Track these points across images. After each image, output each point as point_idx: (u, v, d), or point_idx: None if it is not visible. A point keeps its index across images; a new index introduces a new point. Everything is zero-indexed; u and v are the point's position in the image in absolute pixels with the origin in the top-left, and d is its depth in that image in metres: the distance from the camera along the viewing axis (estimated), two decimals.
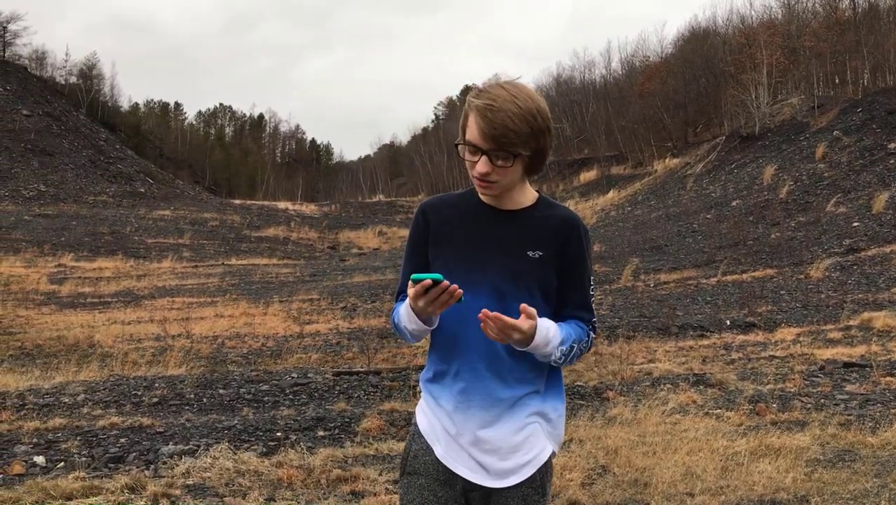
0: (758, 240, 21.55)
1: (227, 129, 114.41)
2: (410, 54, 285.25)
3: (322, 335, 13.69)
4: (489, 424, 1.90)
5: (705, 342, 11.43)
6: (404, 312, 1.89)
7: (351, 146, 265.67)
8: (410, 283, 1.76)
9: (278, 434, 5.85)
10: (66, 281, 23.65)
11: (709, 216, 26.68)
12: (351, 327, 14.26)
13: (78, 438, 5.64)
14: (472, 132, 1.83)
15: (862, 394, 7.25)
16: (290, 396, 7.08)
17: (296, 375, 7.76)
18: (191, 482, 4.77)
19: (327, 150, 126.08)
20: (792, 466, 4.92)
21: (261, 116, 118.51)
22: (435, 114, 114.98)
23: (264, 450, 5.49)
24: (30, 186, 48.24)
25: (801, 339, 10.92)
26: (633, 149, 51.62)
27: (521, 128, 1.78)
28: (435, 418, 1.97)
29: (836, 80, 41.93)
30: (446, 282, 1.73)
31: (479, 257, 1.90)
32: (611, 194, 40.52)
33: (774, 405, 6.86)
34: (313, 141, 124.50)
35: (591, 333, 1.98)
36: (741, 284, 16.69)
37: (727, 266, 18.88)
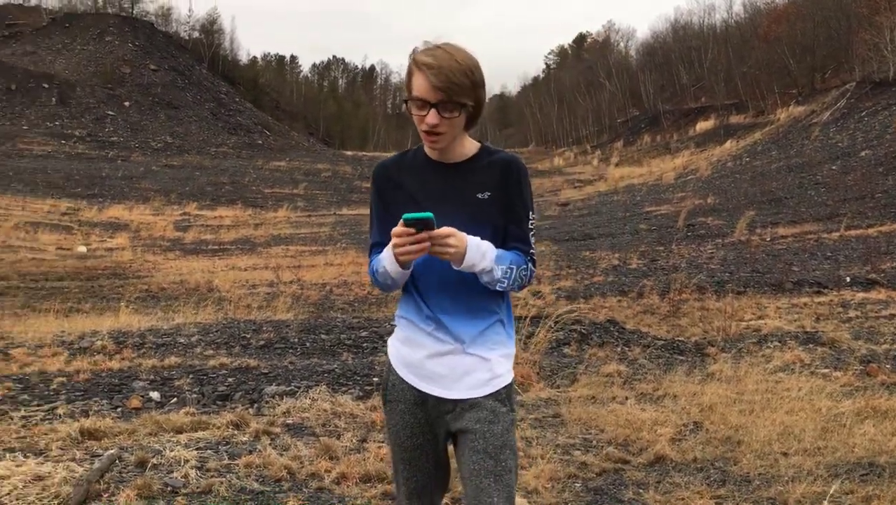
0: (887, 192, 20.26)
1: (340, 82, 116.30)
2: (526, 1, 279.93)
3: None
4: (460, 349, 2.11)
5: (821, 299, 10.93)
6: (386, 258, 2.04)
7: None
8: (399, 227, 1.91)
9: (374, 379, 6.04)
10: (189, 228, 24.93)
11: (834, 167, 25.24)
12: None
13: (190, 376, 6.00)
14: (420, 88, 1.99)
15: None
16: None
17: (395, 323, 7.95)
18: (290, 421, 5.01)
19: None
20: None
21: (372, 68, 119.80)
22: (546, 63, 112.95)
23: (360, 394, 5.68)
24: (157, 138, 50.77)
25: None
26: (755, 96, 49.23)
27: (462, 80, 1.97)
28: (408, 349, 2.18)
29: None
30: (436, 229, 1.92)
31: (436, 209, 1.99)
32: (728, 144, 38.91)
33: (888, 366, 6.53)
34: None
35: (530, 263, 2.12)
36: (865, 239, 15.79)
37: (851, 220, 17.89)
